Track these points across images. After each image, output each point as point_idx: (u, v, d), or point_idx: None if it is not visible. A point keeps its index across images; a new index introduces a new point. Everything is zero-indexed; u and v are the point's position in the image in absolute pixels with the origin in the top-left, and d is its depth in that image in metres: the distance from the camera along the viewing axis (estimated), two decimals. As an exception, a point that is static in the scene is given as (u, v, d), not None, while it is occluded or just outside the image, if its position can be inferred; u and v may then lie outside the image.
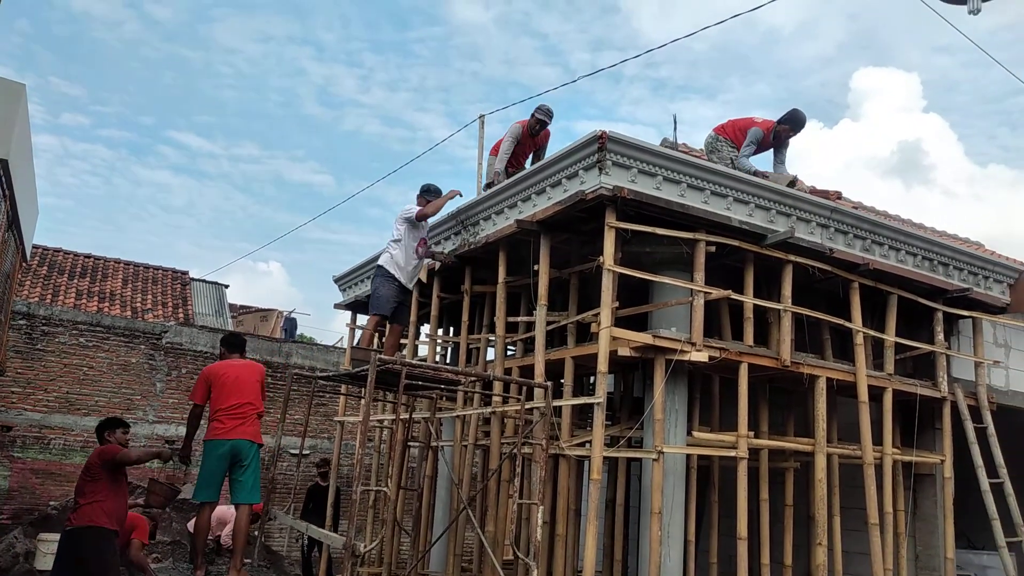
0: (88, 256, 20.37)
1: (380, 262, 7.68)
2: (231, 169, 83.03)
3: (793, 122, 7.90)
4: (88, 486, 5.91)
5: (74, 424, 12.85)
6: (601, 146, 6.14)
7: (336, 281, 11.38)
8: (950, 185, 70.26)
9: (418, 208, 7.54)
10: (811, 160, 72.32)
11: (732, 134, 7.94)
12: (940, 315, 8.35)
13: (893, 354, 8.07)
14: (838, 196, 8.08)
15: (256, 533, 8.45)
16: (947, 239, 9.79)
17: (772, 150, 8.14)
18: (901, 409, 8.37)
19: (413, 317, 9.33)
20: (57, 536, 6.95)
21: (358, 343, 12.74)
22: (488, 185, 8.60)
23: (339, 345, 18.32)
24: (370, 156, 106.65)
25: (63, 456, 12.66)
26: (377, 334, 8.72)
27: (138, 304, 19.14)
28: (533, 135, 8.69)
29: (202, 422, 6.47)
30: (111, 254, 20.83)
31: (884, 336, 8.02)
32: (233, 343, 6.84)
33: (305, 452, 12.46)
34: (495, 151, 8.87)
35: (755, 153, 7.95)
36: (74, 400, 12.95)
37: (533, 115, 8.62)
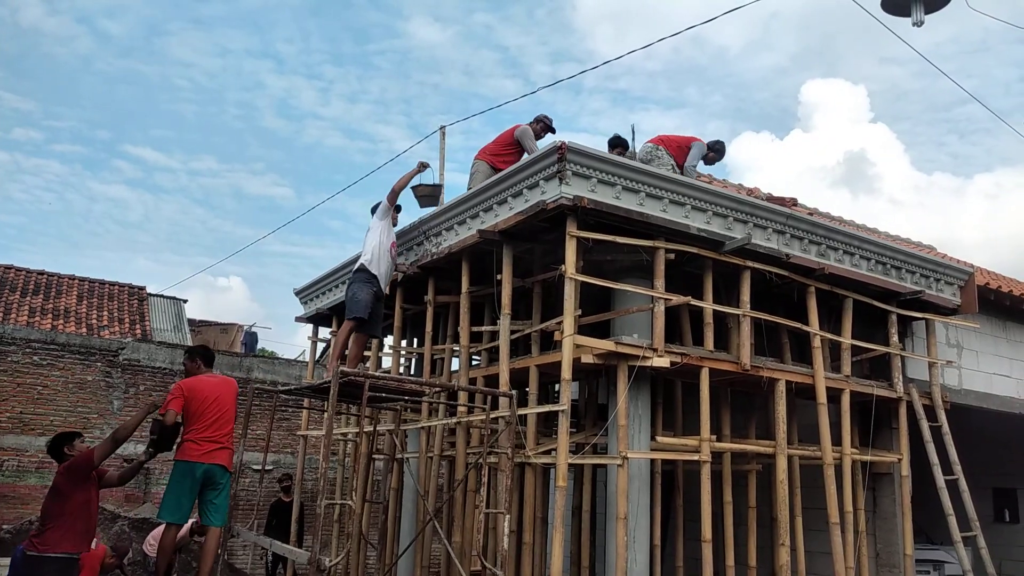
0: (41, 273, 19.89)
1: (361, 261, 7.49)
2: (189, 183, 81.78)
3: (720, 152, 8.61)
4: (55, 507, 5.61)
5: (28, 444, 12.52)
6: (561, 157, 6.20)
7: (297, 294, 11.28)
8: (896, 193, 71.87)
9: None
10: (764, 170, 73.55)
11: (670, 147, 8.09)
12: (894, 317, 8.55)
13: (850, 356, 8.25)
14: (794, 203, 8.25)
15: (219, 551, 8.31)
16: (899, 243, 10.04)
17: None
18: (859, 410, 8.54)
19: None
20: (8, 561, 6.71)
21: (323, 354, 12.59)
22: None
23: (301, 359, 18.14)
24: (331, 168, 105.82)
25: (17, 478, 12.33)
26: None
27: (94, 321, 18.74)
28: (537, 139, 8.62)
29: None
30: (66, 271, 20.38)
31: (840, 339, 8.18)
32: (208, 356, 6.58)
33: (268, 468, 12.29)
34: (485, 155, 8.47)
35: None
36: (28, 420, 12.63)
37: (541, 122, 8.47)
